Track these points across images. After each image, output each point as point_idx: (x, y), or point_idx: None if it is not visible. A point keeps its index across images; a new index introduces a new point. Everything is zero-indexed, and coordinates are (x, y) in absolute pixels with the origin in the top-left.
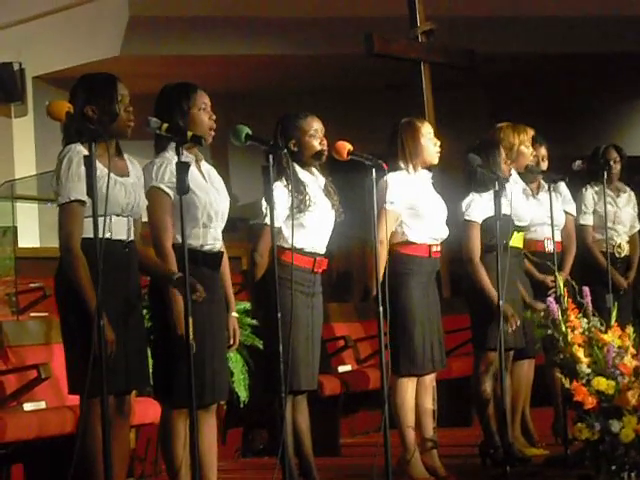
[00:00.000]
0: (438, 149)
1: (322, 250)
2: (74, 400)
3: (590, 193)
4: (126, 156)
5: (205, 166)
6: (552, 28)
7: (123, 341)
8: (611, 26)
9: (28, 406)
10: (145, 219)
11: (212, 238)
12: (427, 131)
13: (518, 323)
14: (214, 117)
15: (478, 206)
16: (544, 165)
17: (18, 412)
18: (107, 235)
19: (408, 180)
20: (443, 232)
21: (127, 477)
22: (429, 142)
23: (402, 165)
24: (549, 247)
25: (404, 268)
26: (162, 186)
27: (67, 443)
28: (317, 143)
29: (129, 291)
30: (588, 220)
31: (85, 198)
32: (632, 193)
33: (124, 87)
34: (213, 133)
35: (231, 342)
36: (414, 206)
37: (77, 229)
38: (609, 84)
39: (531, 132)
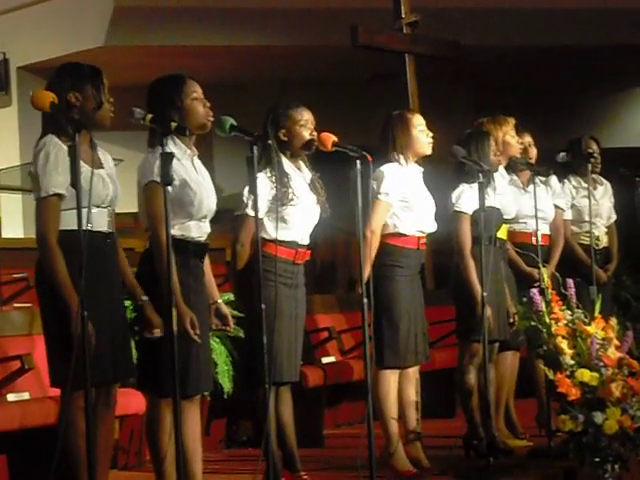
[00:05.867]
0: (430, 140)
1: (304, 242)
2: (57, 391)
3: (568, 187)
4: (98, 148)
5: (197, 162)
6: (536, 21)
7: (108, 333)
8: (594, 19)
9: (11, 397)
10: (124, 211)
11: (202, 231)
12: (418, 122)
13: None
14: (208, 104)
15: (469, 197)
16: (533, 152)
17: (1, 403)
18: (88, 227)
19: (401, 172)
20: (431, 225)
21: (110, 468)
22: (420, 134)
23: (394, 157)
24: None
25: (392, 260)
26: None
27: (51, 434)
28: (307, 133)
29: (111, 283)
30: (567, 214)
31: (64, 191)
32: (608, 184)
33: (105, 79)
34: (212, 119)
35: (228, 327)
36: (406, 198)
37: (54, 222)
38: (591, 77)
39: (512, 121)
